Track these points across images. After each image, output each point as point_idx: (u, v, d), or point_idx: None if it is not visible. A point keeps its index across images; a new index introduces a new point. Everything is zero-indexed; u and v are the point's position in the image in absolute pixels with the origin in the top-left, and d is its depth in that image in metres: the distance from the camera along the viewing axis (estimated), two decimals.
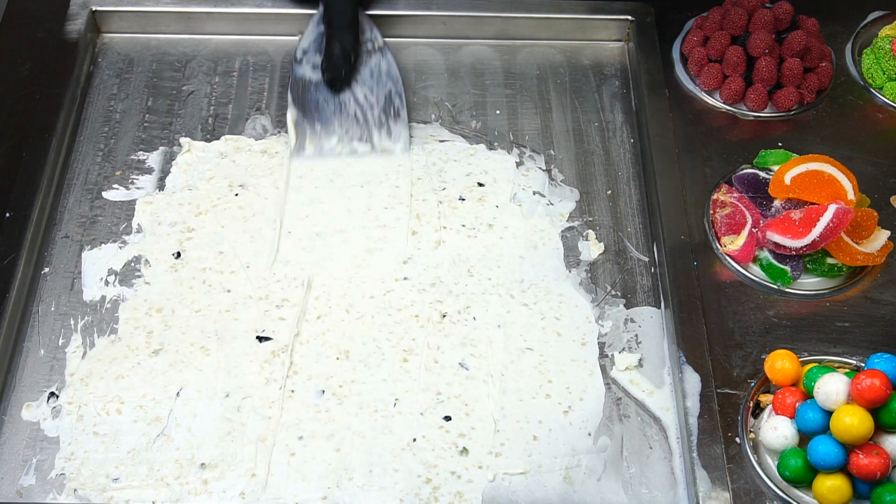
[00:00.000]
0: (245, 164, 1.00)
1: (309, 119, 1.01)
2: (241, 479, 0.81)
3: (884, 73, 1.05)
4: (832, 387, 0.76)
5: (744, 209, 0.93)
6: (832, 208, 0.87)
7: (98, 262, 0.93)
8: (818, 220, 0.87)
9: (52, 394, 0.85)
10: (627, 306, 0.92)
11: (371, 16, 1.08)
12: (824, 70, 1.04)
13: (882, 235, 0.92)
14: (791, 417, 0.80)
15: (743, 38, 1.03)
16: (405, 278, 0.93)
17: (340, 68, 1.01)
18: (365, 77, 1.03)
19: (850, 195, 0.91)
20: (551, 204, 0.99)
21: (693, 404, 0.83)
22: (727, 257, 0.92)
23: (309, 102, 1.02)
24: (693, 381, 0.85)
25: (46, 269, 0.93)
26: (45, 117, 1.00)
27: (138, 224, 0.96)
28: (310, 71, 1.03)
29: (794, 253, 0.89)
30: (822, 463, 0.76)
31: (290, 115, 1.01)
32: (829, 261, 0.90)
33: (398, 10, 1.09)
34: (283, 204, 0.97)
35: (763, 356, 0.86)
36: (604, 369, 0.88)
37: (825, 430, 0.77)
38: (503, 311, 0.91)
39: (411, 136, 1.03)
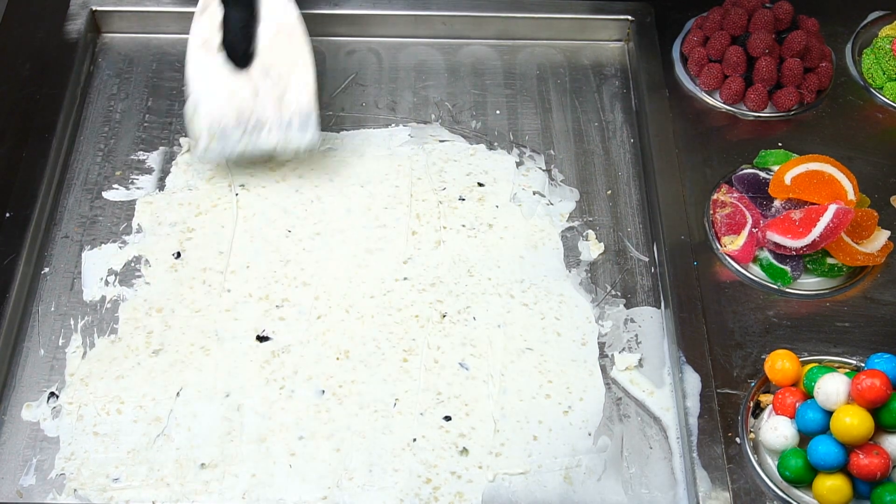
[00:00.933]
0: (245, 164, 1.00)
1: (207, 109, 0.92)
2: (241, 479, 0.81)
3: (884, 73, 1.05)
4: (832, 387, 0.76)
5: (744, 209, 0.93)
6: (832, 208, 0.87)
7: (98, 262, 0.93)
8: (818, 220, 0.87)
9: (52, 394, 0.85)
10: (627, 306, 0.92)
11: (371, 16, 1.08)
12: (824, 70, 1.04)
13: (882, 235, 0.92)
14: (791, 417, 0.80)
15: (743, 38, 1.03)
16: (405, 278, 0.93)
17: (238, 43, 0.89)
18: (268, 55, 0.91)
19: (850, 195, 0.91)
20: (551, 204, 0.99)
21: (693, 404, 0.83)
22: (727, 257, 0.92)
23: (206, 89, 0.92)
24: (693, 381, 0.85)
25: (46, 269, 0.93)
26: (45, 117, 0.99)
27: (138, 224, 0.96)
28: (205, 51, 0.93)
29: (794, 253, 0.89)
30: (822, 463, 0.76)
31: (188, 106, 0.92)
32: (829, 261, 0.90)
33: (398, 10, 1.09)
34: (283, 203, 0.97)
35: (763, 356, 0.86)
36: (604, 369, 0.88)
37: (825, 430, 0.77)
38: (503, 311, 0.91)
39: (410, 136, 1.03)
